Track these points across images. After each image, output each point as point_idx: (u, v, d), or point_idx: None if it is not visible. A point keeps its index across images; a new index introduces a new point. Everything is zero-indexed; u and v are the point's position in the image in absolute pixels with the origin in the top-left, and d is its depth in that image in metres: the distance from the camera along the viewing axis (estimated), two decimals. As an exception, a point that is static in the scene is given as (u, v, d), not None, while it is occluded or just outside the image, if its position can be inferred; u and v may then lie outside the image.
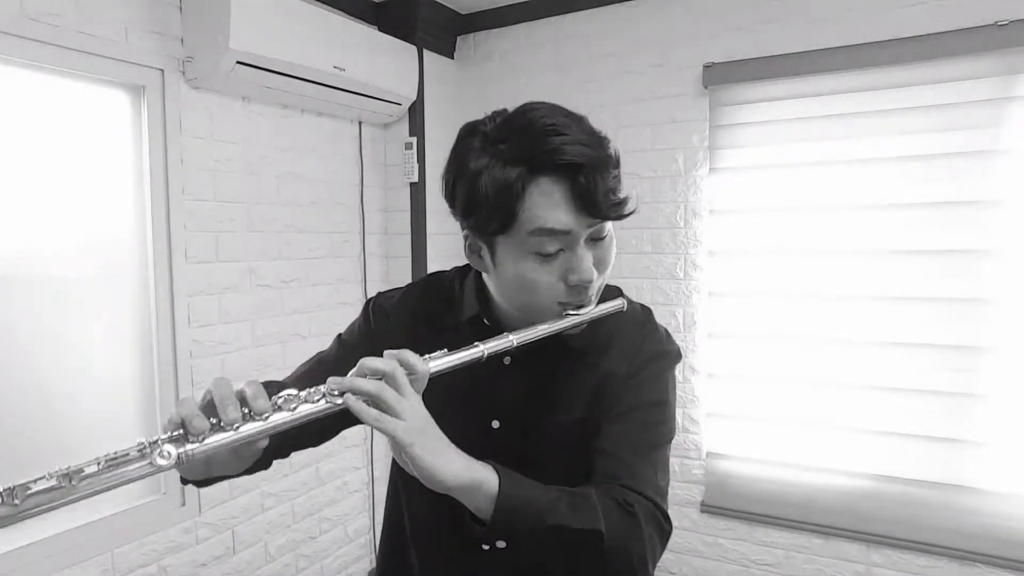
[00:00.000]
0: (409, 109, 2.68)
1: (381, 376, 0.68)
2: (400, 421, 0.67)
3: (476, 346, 0.75)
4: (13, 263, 1.68)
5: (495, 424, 0.88)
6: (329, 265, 2.56)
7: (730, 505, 2.38)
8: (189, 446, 0.61)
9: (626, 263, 2.54)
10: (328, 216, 2.55)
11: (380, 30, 2.60)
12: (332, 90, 2.29)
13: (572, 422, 0.87)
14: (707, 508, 2.41)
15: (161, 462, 0.59)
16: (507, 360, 0.88)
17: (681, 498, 2.45)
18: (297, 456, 2.43)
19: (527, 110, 0.79)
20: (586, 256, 0.78)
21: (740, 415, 2.35)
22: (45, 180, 1.73)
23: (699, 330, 2.41)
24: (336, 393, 0.67)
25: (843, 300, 2.21)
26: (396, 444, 0.67)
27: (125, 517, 1.90)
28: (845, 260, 2.20)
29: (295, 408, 0.66)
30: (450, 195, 0.83)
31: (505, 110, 0.81)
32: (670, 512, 0.83)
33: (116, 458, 0.59)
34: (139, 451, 0.60)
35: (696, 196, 2.41)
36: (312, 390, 0.68)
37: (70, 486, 0.55)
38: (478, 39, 2.83)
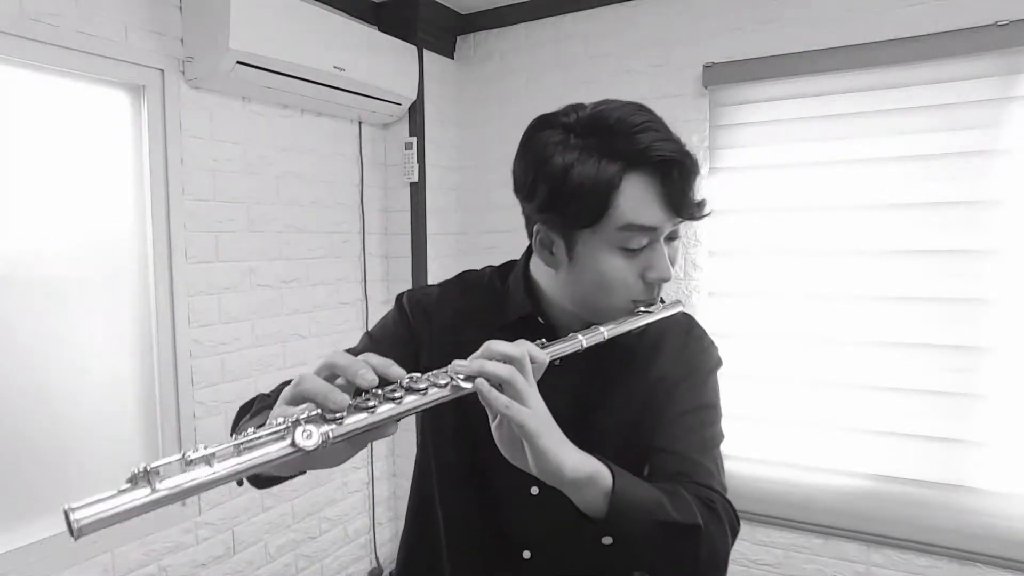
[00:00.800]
0: (409, 109, 2.68)
1: (509, 361, 0.66)
2: (529, 409, 0.64)
3: (575, 336, 0.75)
4: (13, 263, 1.68)
5: None
6: (329, 265, 2.56)
7: (730, 505, 2.37)
8: (326, 426, 0.56)
9: (626, 263, 2.54)
10: (328, 216, 2.55)
11: (380, 30, 2.60)
12: (332, 90, 2.29)
13: (622, 424, 0.87)
14: (707, 508, 2.40)
15: (304, 443, 0.54)
16: (557, 361, 0.87)
17: (681, 498, 2.45)
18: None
19: (613, 107, 0.79)
20: (665, 253, 0.80)
21: (740, 415, 2.35)
22: (45, 180, 1.73)
23: (699, 330, 2.40)
24: (463, 377, 0.64)
25: (843, 300, 2.21)
26: (522, 433, 0.64)
27: (125, 517, 1.90)
28: (845, 260, 2.20)
29: (425, 390, 0.62)
30: (528, 189, 0.81)
31: (582, 105, 0.81)
32: None
33: (253, 439, 0.53)
34: (278, 432, 0.54)
35: (696, 196, 2.41)
36: (436, 372, 0.64)
37: (208, 468, 0.51)
38: (478, 39, 2.83)
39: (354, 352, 0.91)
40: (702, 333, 0.95)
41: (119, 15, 1.82)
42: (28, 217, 1.70)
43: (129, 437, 1.95)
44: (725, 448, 0.89)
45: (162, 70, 1.94)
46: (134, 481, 0.49)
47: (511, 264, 0.97)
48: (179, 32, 1.97)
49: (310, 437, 0.54)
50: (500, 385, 0.65)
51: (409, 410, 0.61)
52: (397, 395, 0.61)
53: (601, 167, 0.75)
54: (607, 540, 0.73)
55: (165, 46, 1.94)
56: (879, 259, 2.15)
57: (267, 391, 0.87)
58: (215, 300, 2.13)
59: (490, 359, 0.66)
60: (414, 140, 2.69)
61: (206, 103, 2.07)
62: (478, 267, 1.02)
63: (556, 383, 0.83)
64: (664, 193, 0.76)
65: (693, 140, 2.40)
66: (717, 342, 0.96)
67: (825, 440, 2.25)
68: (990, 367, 2.03)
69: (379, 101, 2.51)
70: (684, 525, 0.72)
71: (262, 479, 0.74)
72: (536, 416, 0.65)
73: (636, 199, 0.76)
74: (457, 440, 0.79)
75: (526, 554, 0.88)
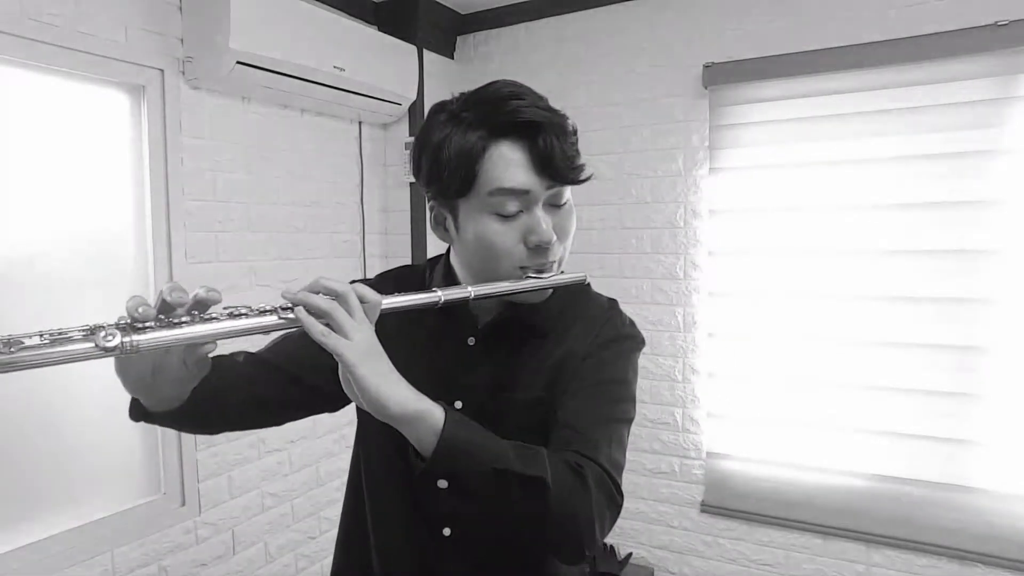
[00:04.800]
0: (409, 109, 2.68)
1: (334, 296, 0.69)
2: (348, 341, 0.67)
3: (434, 291, 0.76)
4: (13, 263, 1.68)
5: (458, 404, 0.89)
6: (329, 265, 2.56)
7: (730, 505, 2.37)
8: (135, 336, 0.60)
9: (626, 263, 2.54)
10: (328, 216, 2.55)
11: (380, 30, 2.60)
12: (332, 90, 2.29)
13: (531, 400, 0.88)
14: (707, 508, 2.41)
15: (106, 343, 0.58)
16: (471, 342, 0.90)
17: (681, 498, 2.44)
18: (297, 456, 2.44)
19: (490, 83, 0.85)
20: (545, 217, 0.82)
21: (740, 415, 2.35)
22: (45, 180, 1.73)
23: (699, 330, 2.40)
24: (287, 307, 0.67)
25: (843, 300, 2.21)
26: (342, 364, 0.67)
27: (125, 517, 1.90)
28: (845, 260, 2.20)
29: (244, 316, 0.65)
30: (416, 167, 0.88)
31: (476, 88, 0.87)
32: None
33: (60, 334, 0.57)
34: (84, 332, 0.58)
35: (696, 196, 2.41)
36: (263, 305, 0.67)
37: (10, 353, 0.54)
38: (478, 39, 2.83)
39: (292, 333, 0.91)
40: (620, 313, 0.96)
41: (119, 15, 1.82)
42: (28, 217, 1.70)
43: (129, 437, 1.95)
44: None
45: (162, 70, 1.94)
46: None
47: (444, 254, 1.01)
48: (179, 32, 1.97)
49: (111, 340, 0.58)
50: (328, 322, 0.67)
51: (221, 331, 0.64)
52: (213, 316, 0.64)
53: (467, 136, 0.80)
54: (442, 483, 0.75)
55: (165, 46, 1.94)
56: (879, 259, 2.15)
57: None
58: (215, 300, 2.13)
59: (316, 292, 0.69)
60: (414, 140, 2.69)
61: (206, 103, 2.07)
62: None
63: (471, 363, 0.90)
64: (532, 157, 0.79)
65: (693, 140, 2.40)
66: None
67: (825, 440, 2.25)
68: (990, 367, 2.03)
69: (379, 101, 2.50)
70: (524, 476, 0.71)
71: (139, 410, 0.82)
72: (355, 347, 0.67)
73: (502, 164, 0.79)
74: (383, 425, 0.81)
75: (446, 531, 0.89)
